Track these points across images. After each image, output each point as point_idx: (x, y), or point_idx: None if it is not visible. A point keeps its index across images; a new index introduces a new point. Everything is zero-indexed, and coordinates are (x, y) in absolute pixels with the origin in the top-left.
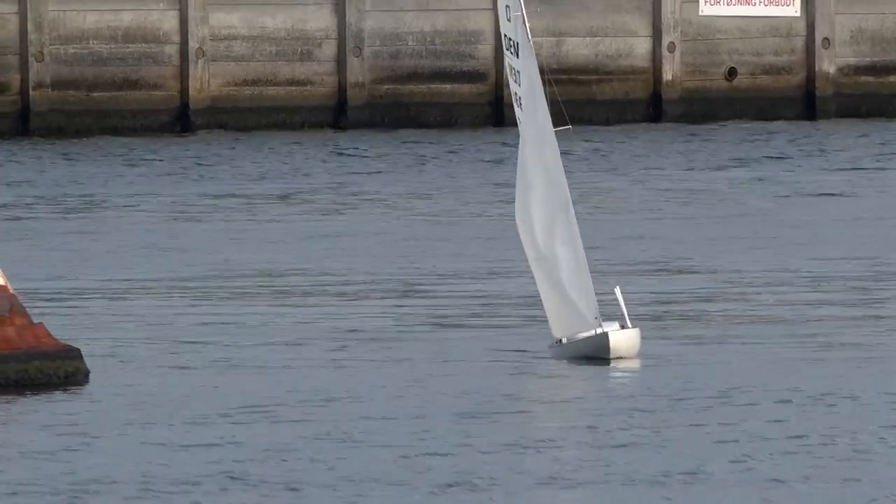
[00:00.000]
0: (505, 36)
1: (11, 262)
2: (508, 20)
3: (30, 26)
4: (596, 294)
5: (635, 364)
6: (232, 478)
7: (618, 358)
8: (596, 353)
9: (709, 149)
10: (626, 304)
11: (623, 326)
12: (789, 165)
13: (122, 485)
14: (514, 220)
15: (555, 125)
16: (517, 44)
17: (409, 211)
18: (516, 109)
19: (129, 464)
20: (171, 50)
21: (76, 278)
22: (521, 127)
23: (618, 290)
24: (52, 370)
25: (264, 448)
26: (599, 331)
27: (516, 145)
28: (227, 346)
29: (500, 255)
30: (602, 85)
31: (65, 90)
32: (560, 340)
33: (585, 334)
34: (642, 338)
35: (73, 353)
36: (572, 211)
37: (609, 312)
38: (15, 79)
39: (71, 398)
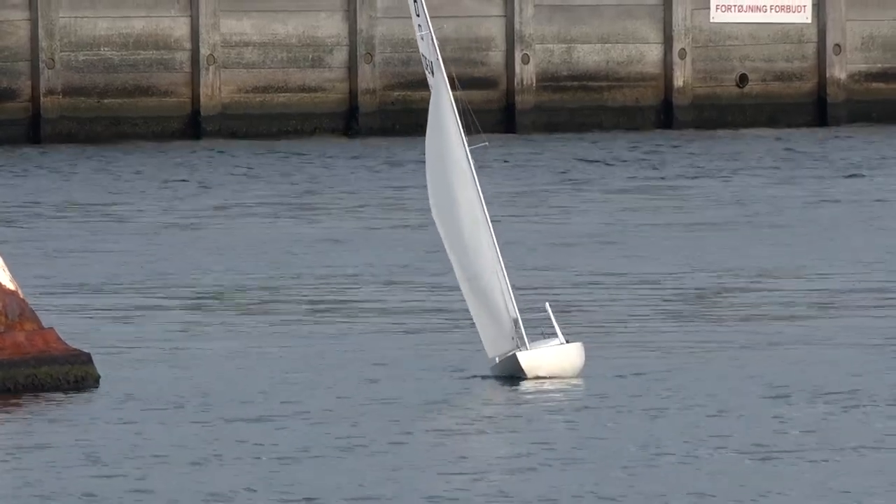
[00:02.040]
0: (422, 55)
1: (23, 266)
2: (422, 38)
3: (41, 33)
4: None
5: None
6: (250, 489)
7: (549, 377)
8: (516, 374)
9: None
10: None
11: (568, 341)
12: None
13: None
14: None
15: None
16: (432, 63)
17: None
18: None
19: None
20: (183, 57)
21: (89, 284)
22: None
23: (548, 306)
24: (62, 375)
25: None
26: (513, 351)
27: (528, 152)
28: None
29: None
30: (613, 91)
31: (76, 97)
32: (495, 359)
33: (507, 354)
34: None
35: (83, 358)
36: (489, 227)
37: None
38: (26, 85)
39: (77, 403)
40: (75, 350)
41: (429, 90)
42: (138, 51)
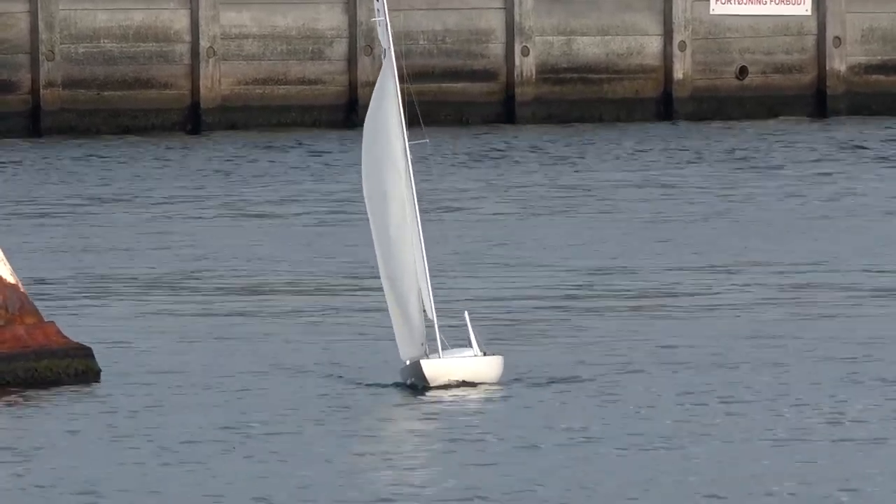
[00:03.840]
0: (378, 41)
1: (24, 259)
2: (379, 24)
3: (40, 25)
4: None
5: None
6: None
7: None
8: (419, 381)
9: None
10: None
11: (485, 353)
12: None
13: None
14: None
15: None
16: (385, 50)
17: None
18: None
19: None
20: (182, 49)
21: (91, 276)
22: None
23: (466, 315)
24: (62, 369)
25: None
26: (416, 359)
27: (528, 145)
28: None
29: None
30: (613, 84)
31: (75, 89)
32: (406, 362)
33: (413, 360)
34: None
35: (84, 352)
36: (416, 227)
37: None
38: (25, 78)
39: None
40: (76, 344)
41: (428, 83)
42: (138, 43)
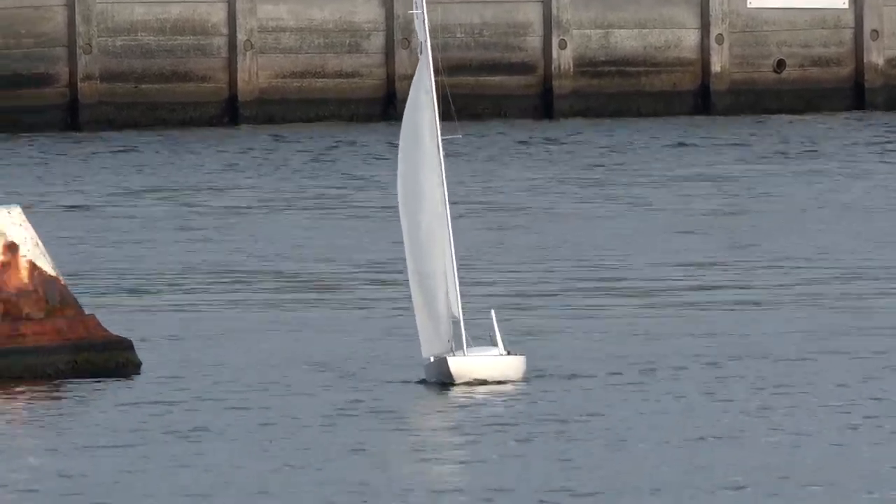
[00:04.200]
0: (416, 34)
1: (64, 252)
2: (417, 17)
3: (78, 18)
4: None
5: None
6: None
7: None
8: (445, 378)
9: None
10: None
11: (509, 353)
12: None
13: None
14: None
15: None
16: (421, 43)
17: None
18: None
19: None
20: (220, 42)
21: (131, 268)
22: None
23: (493, 314)
24: (102, 361)
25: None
26: (441, 356)
27: (569, 138)
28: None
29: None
30: (650, 77)
31: (113, 82)
32: (429, 359)
33: (439, 356)
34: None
35: (125, 345)
36: (448, 223)
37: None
38: (63, 71)
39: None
40: (116, 336)
41: (466, 77)
42: (175, 36)
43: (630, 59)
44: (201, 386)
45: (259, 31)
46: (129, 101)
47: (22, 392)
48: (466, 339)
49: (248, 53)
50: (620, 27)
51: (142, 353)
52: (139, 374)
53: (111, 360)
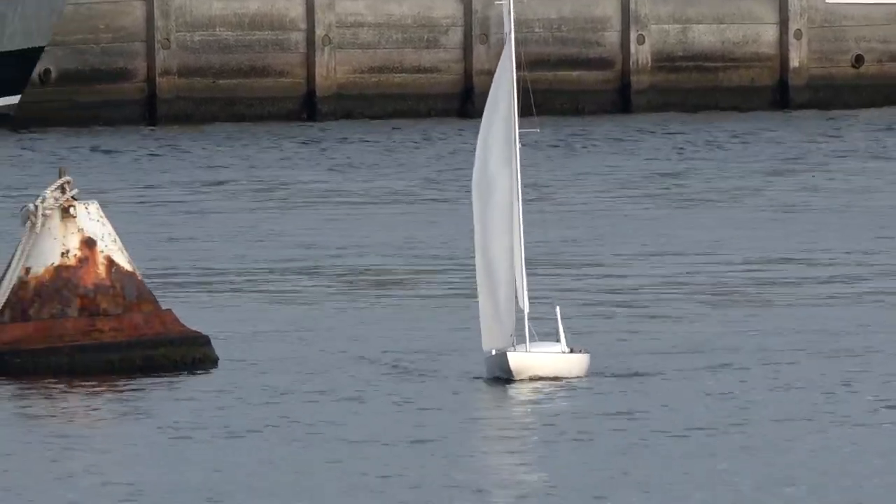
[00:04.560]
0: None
1: (141, 247)
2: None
3: (156, 13)
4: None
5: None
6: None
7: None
8: (504, 373)
9: None
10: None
11: (572, 350)
12: None
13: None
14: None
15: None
16: (506, 35)
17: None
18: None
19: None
20: (298, 37)
21: (208, 263)
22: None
23: (558, 310)
24: (179, 357)
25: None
26: (502, 350)
27: (646, 132)
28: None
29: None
30: (728, 72)
31: (191, 77)
32: (492, 352)
33: (500, 350)
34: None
35: (202, 340)
36: (517, 219)
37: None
38: (141, 66)
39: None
40: (193, 332)
41: (544, 72)
42: (253, 31)
43: (708, 54)
44: (278, 380)
45: (337, 27)
46: (207, 97)
47: (100, 388)
48: (531, 335)
49: (326, 49)
50: (698, 22)
51: (218, 348)
52: (216, 369)
53: (188, 355)
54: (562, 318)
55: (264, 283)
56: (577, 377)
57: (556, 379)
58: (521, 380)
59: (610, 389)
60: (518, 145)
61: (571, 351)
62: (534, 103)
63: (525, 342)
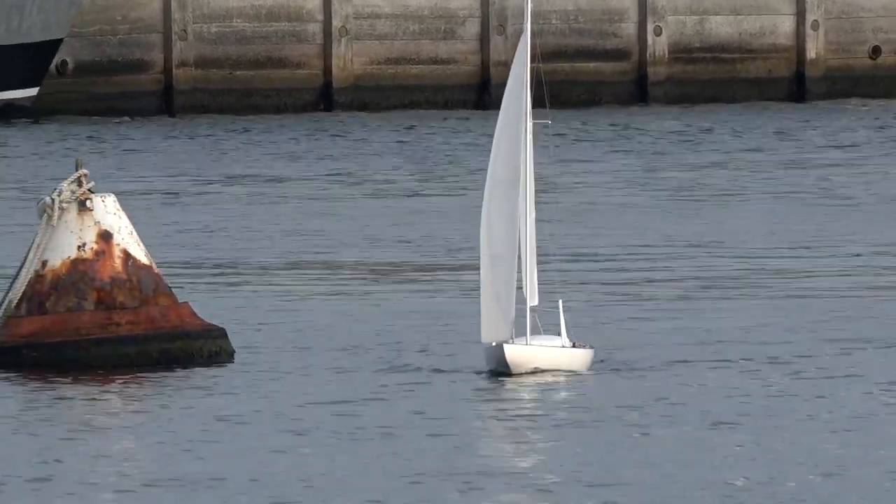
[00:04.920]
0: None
1: (157, 240)
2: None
3: (173, 4)
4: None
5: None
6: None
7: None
8: (500, 366)
9: None
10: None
11: (575, 344)
12: None
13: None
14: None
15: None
16: (523, 26)
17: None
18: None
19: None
20: (315, 28)
21: (224, 257)
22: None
23: (560, 303)
24: (196, 350)
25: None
26: (501, 342)
27: (664, 126)
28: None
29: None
30: (745, 63)
31: (208, 69)
32: (491, 344)
33: (498, 343)
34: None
35: (218, 333)
36: (526, 211)
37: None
38: (158, 57)
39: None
40: (210, 325)
41: (561, 63)
42: (270, 23)
43: (725, 45)
44: (294, 373)
45: (354, 18)
46: (224, 88)
47: (117, 381)
48: (536, 328)
49: (342, 40)
50: (716, 13)
51: (235, 340)
52: (232, 362)
53: (205, 348)
54: (569, 312)
55: (280, 274)
56: (577, 372)
57: (554, 372)
58: (519, 373)
59: (608, 383)
60: (530, 137)
61: (574, 345)
62: (549, 94)
63: (525, 335)
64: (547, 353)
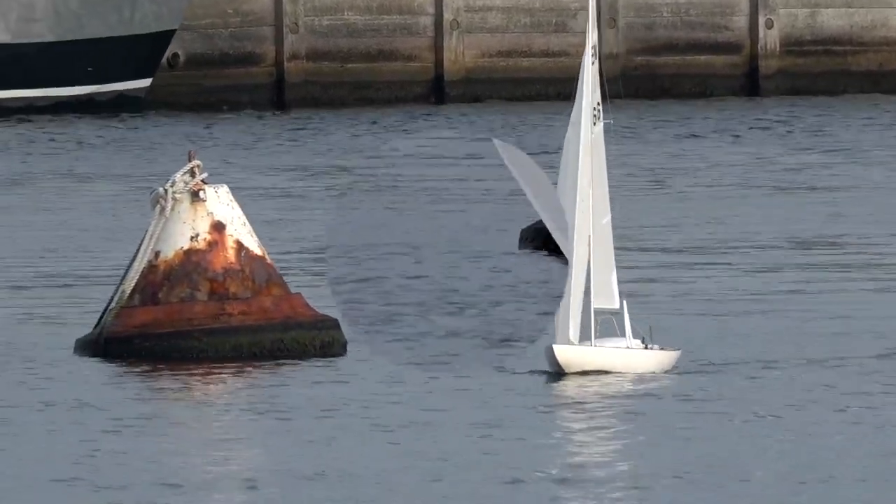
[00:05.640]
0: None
1: (271, 231)
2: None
3: None
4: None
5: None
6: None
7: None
8: (552, 366)
9: None
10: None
11: (647, 346)
12: None
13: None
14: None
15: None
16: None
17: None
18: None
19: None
20: (426, 21)
21: (339, 249)
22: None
23: (624, 305)
24: (309, 340)
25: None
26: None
27: (773, 119)
28: None
29: None
30: (857, 56)
31: (319, 62)
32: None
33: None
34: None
35: (330, 324)
36: (589, 210)
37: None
38: (270, 50)
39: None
40: (322, 315)
41: (672, 56)
42: (382, 15)
43: (837, 38)
44: (400, 364)
45: (465, 11)
46: (335, 81)
47: (229, 372)
48: (616, 330)
49: (454, 33)
50: (827, 6)
51: (347, 331)
52: (345, 353)
53: (317, 339)
54: (628, 313)
55: (390, 264)
56: (638, 373)
57: (608, 373)
58: (571, 373)
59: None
60: (595, 130)
61: (646, 347)
62: (658, 87)
63: (591, 336)
64: (599, 354)
